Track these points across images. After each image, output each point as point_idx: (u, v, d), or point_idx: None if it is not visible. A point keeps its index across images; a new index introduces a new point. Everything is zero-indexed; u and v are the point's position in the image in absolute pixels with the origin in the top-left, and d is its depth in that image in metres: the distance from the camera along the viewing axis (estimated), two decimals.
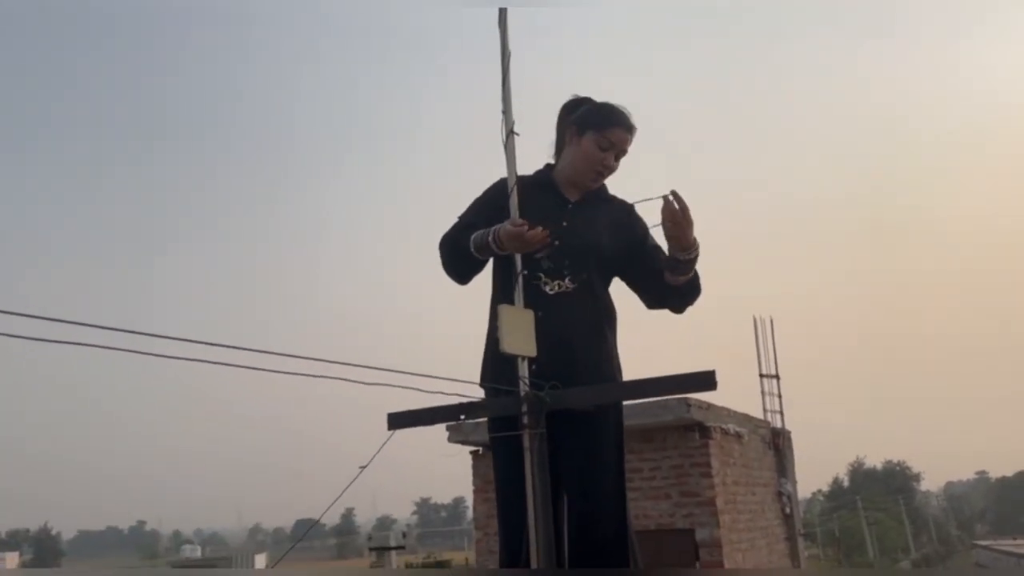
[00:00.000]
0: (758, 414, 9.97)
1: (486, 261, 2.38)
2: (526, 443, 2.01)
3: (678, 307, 2.44)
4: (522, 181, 2.40)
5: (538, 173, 2.52)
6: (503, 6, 2.33)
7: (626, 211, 2.50)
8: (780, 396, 10.47)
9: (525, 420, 2.03)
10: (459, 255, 2.36)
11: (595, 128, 2.39)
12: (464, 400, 2.12)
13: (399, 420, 2.13)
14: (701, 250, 2.29)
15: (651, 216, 2.51)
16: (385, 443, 2.10)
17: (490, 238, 2.23)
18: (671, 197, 2.17)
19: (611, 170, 2.42)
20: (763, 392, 10.40)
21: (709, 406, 7.97)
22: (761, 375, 10.52)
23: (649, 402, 7.35)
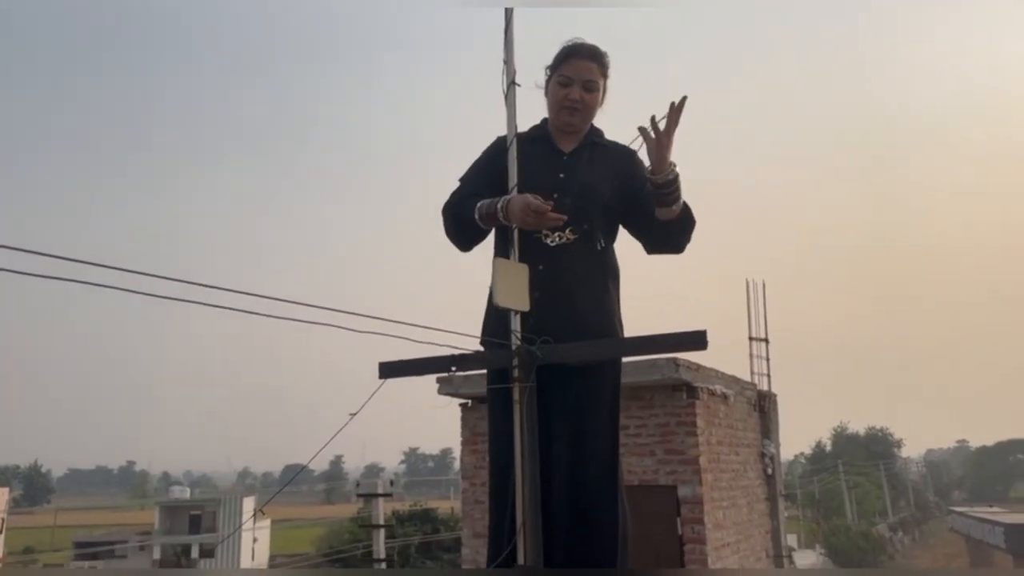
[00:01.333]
0: (746, 376, 10.07)
1: (490, 230, 2.37)
2: (516, 396, 2.03)
3: (674, 246, 2.37)
4: (519, 137, 2.38)
5: (534, 128, 2.51)
6: None
7: (627, 156, 2.47)
8: (768, 360, 10.55)
9: (516, 373, 2.05)
10: (462, 224, 2.36)
11: (554, 68, 2.39)
12: (456, 352, 2.13)
13: (390, 369, 2.14)
14: (693, 202, 2.24)
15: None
16: (376, 392, 2.11)
17: (499, 207, 2.21)
18: (652, 122, 2.09)
19: (583, 104, 2.36)
20: (751, 355, 10.48)
21: (698, 367, 8.04)
22: (751, 338, 10.58)
23: (638, 361, 7.40)
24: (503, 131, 2.31)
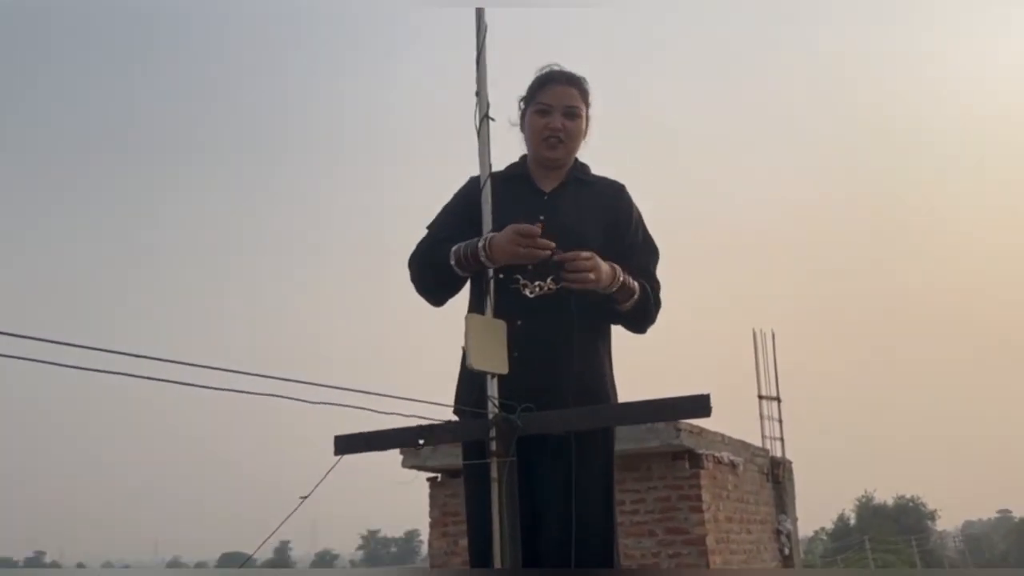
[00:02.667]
0: (756, 440, 10.09)
1: (467, 278, 2.39)
2: (493, 472, 2.03)
3: (633, 330, 2.46)
4: (495, 176, 2.41)
5: (512, 166, 2.54)
6: None
7: (614, 194, 2.51)
8: (781, 421, 10.59)
9: (493, 447, 2.05)
10: (436, 272, 2.37)
11: (529, 98, 2.45)
12: (424, 423, 2.13)
13: (348, 444, 2.13)
14: (632, 284, 2.31)
15: (642, 199, 2.54)
16: (330, 470, 2.10)
17: (481, 246, 2.22)
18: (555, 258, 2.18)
19: (565, 133, 2.40)
20: (762, 416, 10.51)
21: (701, 431, 8.04)
22: (760, 396, 10.63)
23: (634, 425, 7.40)
24: (475, 170, 2.35)
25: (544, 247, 2.15)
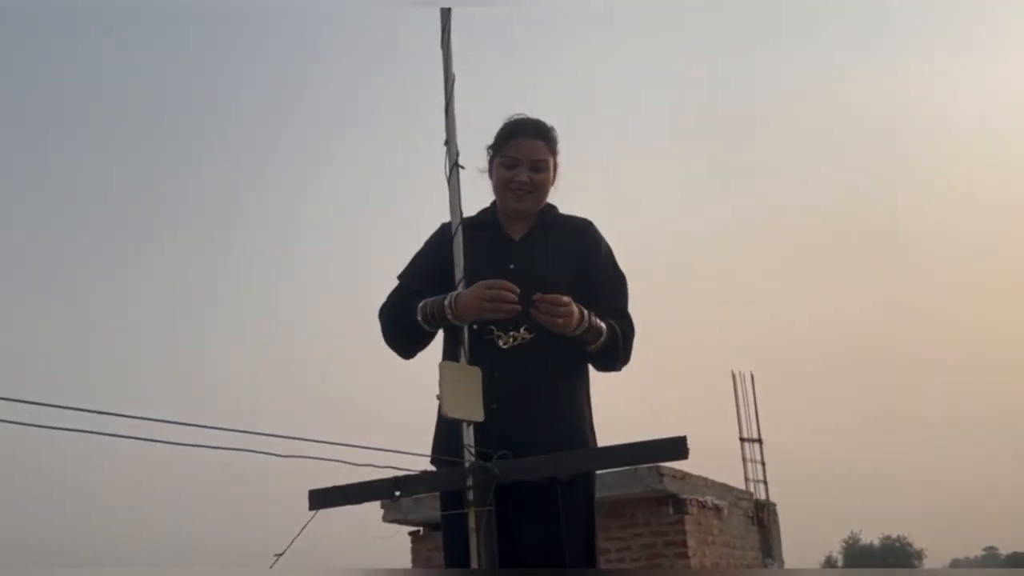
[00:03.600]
0: (739, 484, 10.05)
1: (435, 333, 2.38)
2: (471, 523, 2.00)
3: (605, 369, 2.46)
4: (464, 223, 2.42)
5: (482, 212, 2.54)
6: (446, 14, 2.37)
7: (581, 233, 2.52)
8: (763, 463, 10.57)
9: (470, 496, 2.02)
10: (403, 328, 2.37)
11: (496, 149, 2.46)
12: (399, 474, 2.10)
13: (322, 498, 2.10)
14: (597, 325, 2.29)
15: (612, 230, 2.55)
16: (305, 526, 2.06)
17: (447, 303, 2.23)
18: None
19: (532, 184, 2.40)
20: (744, 458, 10.49)
21: (684, 475, 8.01)
22: (742, 439, 10.62)
23: (616, 471, 7.36)
24: (446, 216, 2.35)
25: (510, 301, 2.15)
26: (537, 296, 2.18)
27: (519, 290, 2.18)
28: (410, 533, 8.71)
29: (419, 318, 2.29)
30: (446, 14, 2.34)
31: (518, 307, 2.17)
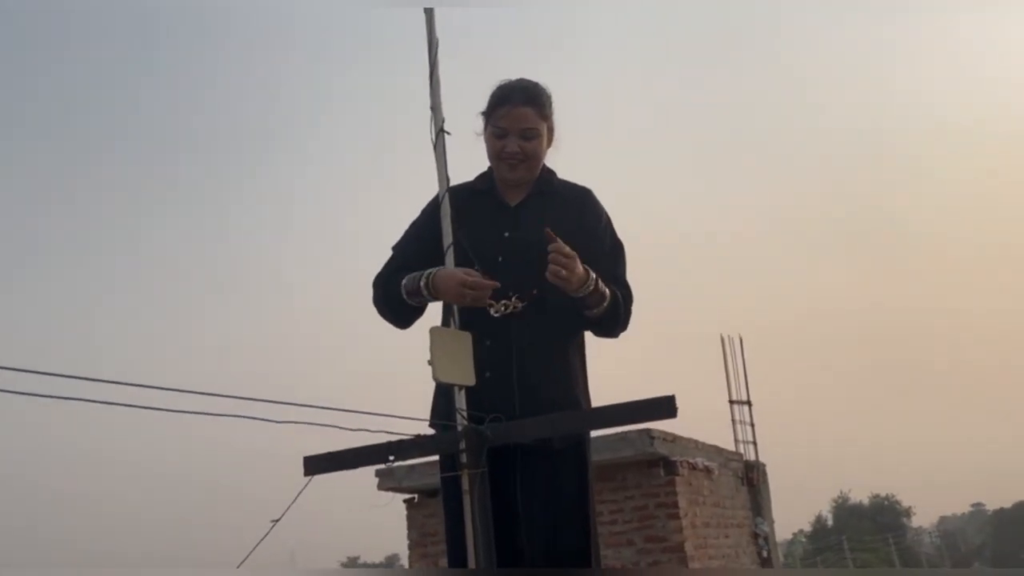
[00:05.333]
0: (729, 445, 10.15)
1: (423, 306, 2.39)
2: (465, 485, 2.03)
3: (605, 335, 2.46)
4: (460, 190, 2.41)
5: (479, 178, 2.52)
6: None
7: (580, 198, 2.49)
8: (753, 425, 10.67)
9: (463, 459, 2.05)
10: (392, 302, 2.39)
11: (487, 117, 2.42)
12: (393, 439, 2.12)
13: (317, 464, 2.12)
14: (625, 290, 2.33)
15: (612, 199, 2.54)
16: (301, 492, 2.08)
17: (422, 284, 2.25)
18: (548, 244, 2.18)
19: (523, 154, 2.37)
20: (734, 420, 10.59)
21: (675, 438, 8.08)
22: (731, 401, 10.71)
23: (608, 435, 7.42)
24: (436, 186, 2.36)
25: (484, 297, 2.18)
26: (552, 246, 2.17)
27: (498, 285, 2.19)
28: (405, 500, 8.77)
29: (404, 294, 2.32)
30: None
31: (497, 285, 2.19)
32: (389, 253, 2.51)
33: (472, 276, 2.18)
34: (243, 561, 2.17)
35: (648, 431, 7.49)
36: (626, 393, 2.05)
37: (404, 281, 2.32)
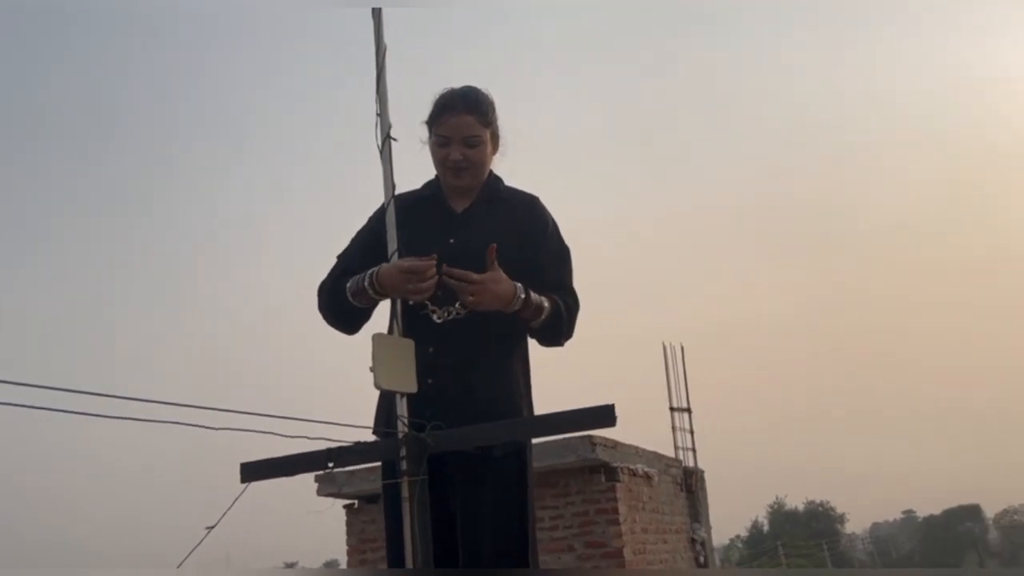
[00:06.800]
0: (669, 452, 10.28)
1: (370, 309, 2.38)
2: (405, 492, 2.03)
3: (549, 345, 2.47)
4: (406, 197, 2.42)
5: (425, 186, 2.53)
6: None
7: (526, 206, 2.50)
8: (692, 431, 10.82)
9: (403, 466, 2.05)
10: (337, 306, 2.38)
11: (429, 125, 2.43)
12: (333, 446, 2.11)
13: (254, 471, 2.10)
14: (544, 304, 2.31)
15: (560, 209, 2.56)
16: (237, 499, 2.07)
17: (366, 282, 2.25)
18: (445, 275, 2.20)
19: (467, 162, 2.38)
20: (674, 427, 10.73)
21: (616, 445, 8.15)
22: (672, 408, 10.85)
23: (550, 442, 7.45)
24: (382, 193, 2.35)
25: (428, 277, 2.18)
26: (446, 270, 2.20)
27: (435, 259, 2.19)
28: (345, 506, 8.70)
29: (349, 296, 2.31)
30: None
31: (434, 276, 2.19)
32: (335, 261, 2.50)
33: (411, 260, 2.19)
34: (180, 563, 2.15)
35: (590, 438, 7.54)
36: (571, 401, 2.07)
37: (348, 283, 2.32)
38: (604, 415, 1.97)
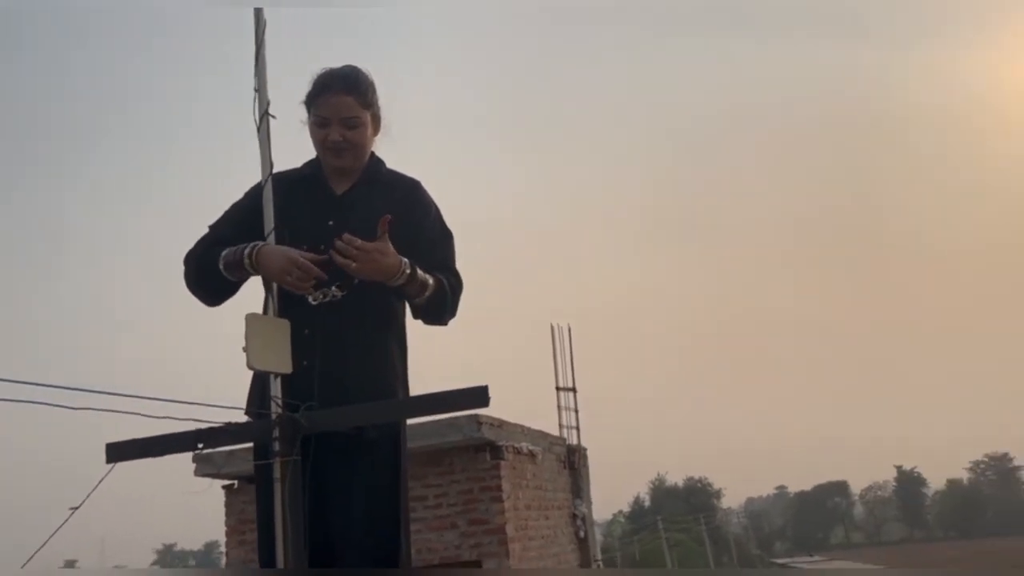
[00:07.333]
0: (554, 430, 10.47)
1: (239, 282, 2.34)
2: (276, 473, 2.02)
3: (433, 323, 2.48)
4: (286, 176, 2.38)
5: (306, 165, 2.50)
6: None
7: (408, 190, 2.49)
8: (577, 411, 11.05)
9: (276, 447, 2.04)
10: (206, 275, 2.33)
11: (308, 105, 2.40)
12: (204, 426, 2.08)
13: (121, 451, 2.06)
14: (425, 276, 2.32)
15: (441, 191, 2.57)
16: (103, 479, 2.02)
17: (246, 253, 2.21)
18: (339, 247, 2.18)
19: (347, 143, 2.36)
20: (559, 406, 10.93)
21: (502, 424, 8.26)
22: (558, 388, 11.05)
23: (436, 421, 7.48)
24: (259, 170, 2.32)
25: (315, 277, 2.18)
26: (336, 245, 2.18)
27: (325, 277, 2.20)
28: (224, 487, 8.52)
29: (221, 266, 2.27)
30: None
31: (324, 277, 2.19)
32: (206, 230, 2.44)
33: (305, 257, 2.17)
34: (39, 549, 2.09)
35: (476, 417, 7.61)
36: (461, 384, 2.08)
37: (224, 253, 2.27)
38: (478, 396, 2.01)
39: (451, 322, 2.51)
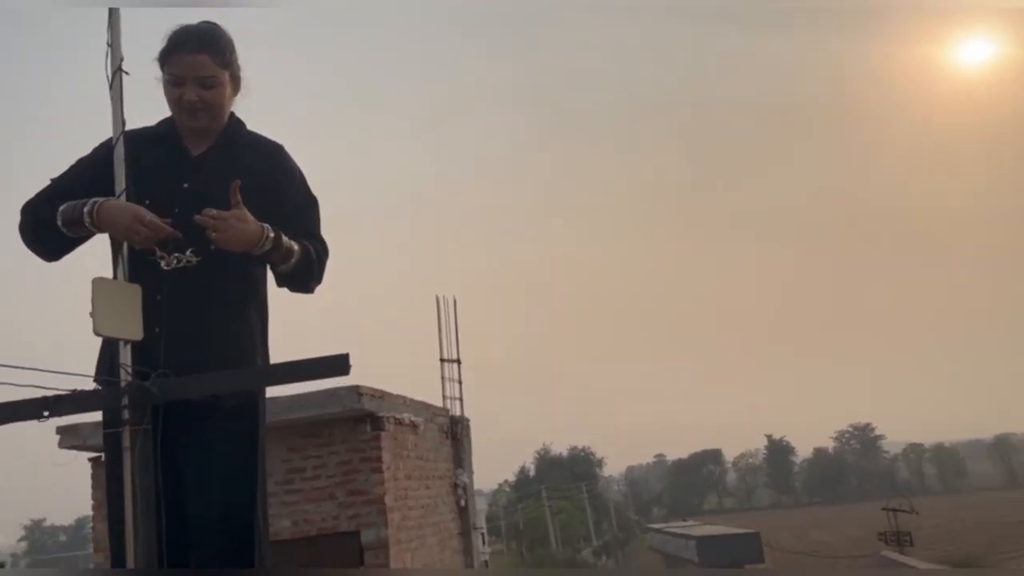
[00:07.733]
0: (438, 401, 10.50)
1: (78, 239, 2.24)
2: (125, 442, 1.96)
3: (298, 290, 2.43)
4: (139, 135, 2.28)
5: (162, 123, 2.40)
6: None
7: (270, 154, 2.43)
8: (460, 382, 11.10)
9: (126, 415, 1.98)
10: (42, 228, 2.21)
11: (161, 63, 2.30)
12: (50, 394, 1.99)
13: None
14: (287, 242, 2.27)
15: (304, 154, 2.51)
16: None
17: (86, 210, 2.12)
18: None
19: (203, 103, 2.27)
20: (443, 378, 10.95)
21: (383, 395, 8.22)
22: (442, 360, 11.06)
23: (316, 392, 7.39)
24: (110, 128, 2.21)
25: (167, 236, 2.12)
26: (198, 218, 2.13)
27: (179, 235, 2.14)
28: (90, 459, 8.20)
29: (59, 221, 2.17)
30: None
31: (178, 235, 2.13)
32: (47, 183, 2.32)
33: (149, 215, 2.09)
34: None
35: (357, 388, 7.55)
36: (336, 349, 2.04)
37: (62, 207, 2.16)
38: (338, 364, 1.98)
39: (317, 289, 2.48)
